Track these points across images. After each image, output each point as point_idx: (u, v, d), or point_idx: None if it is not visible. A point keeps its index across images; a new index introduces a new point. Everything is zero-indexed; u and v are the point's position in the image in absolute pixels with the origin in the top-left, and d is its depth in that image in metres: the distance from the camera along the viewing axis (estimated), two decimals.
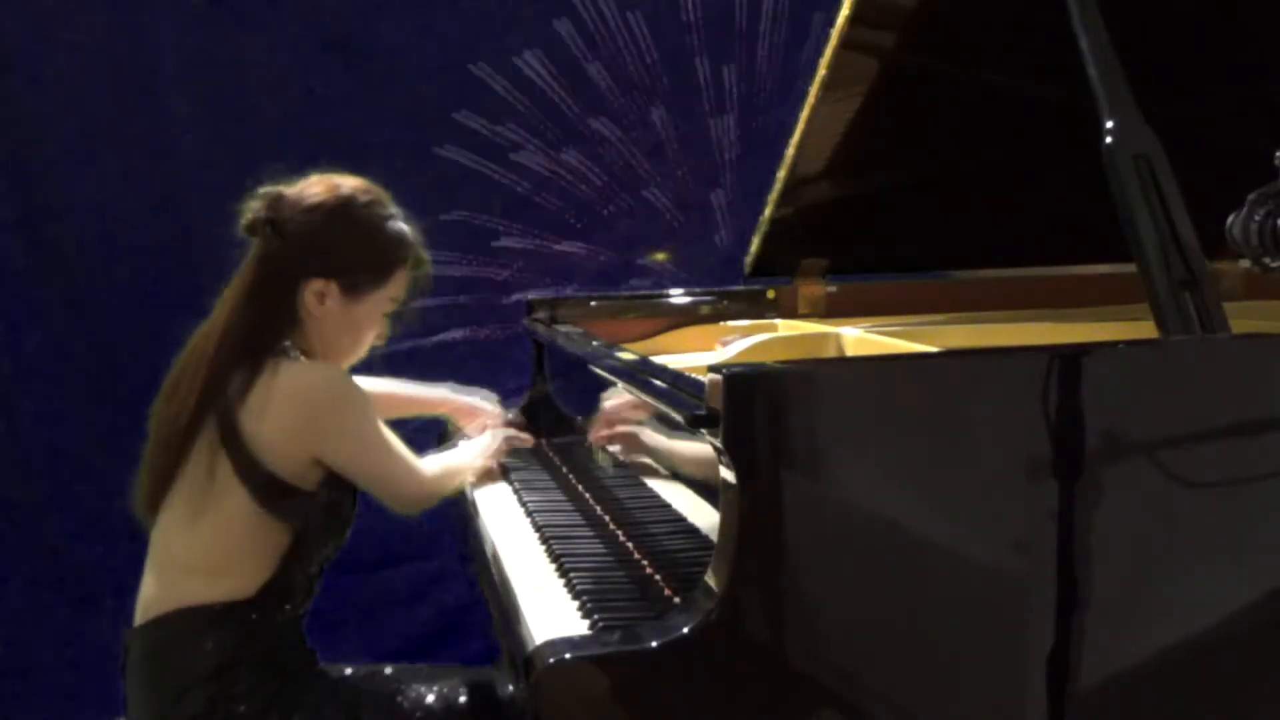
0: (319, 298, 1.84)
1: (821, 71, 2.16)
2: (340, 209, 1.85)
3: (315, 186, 1.86)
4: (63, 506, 3.22)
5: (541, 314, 2.63)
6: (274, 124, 3.23)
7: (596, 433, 2.09)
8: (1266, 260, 1.43)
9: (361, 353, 1.95)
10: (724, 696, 1.33)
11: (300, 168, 1.90)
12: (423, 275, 1.95)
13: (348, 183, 1.89)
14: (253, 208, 1.84)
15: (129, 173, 3.23)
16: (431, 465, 2.01)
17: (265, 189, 1.85)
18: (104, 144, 3.20)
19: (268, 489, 1.77)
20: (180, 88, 3.24)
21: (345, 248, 1.85)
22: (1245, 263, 1.46)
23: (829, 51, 2.14)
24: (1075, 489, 1.36)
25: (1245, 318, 1.88)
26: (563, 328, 2.51)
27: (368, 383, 2.07)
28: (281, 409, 1.76)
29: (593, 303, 2.65)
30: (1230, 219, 1.45)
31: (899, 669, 1.35)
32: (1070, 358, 1.38)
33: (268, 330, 1.82)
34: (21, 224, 3.25)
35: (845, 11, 2.09)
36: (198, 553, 1.80)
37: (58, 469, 3.23)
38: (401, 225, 1.91)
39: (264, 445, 1.77)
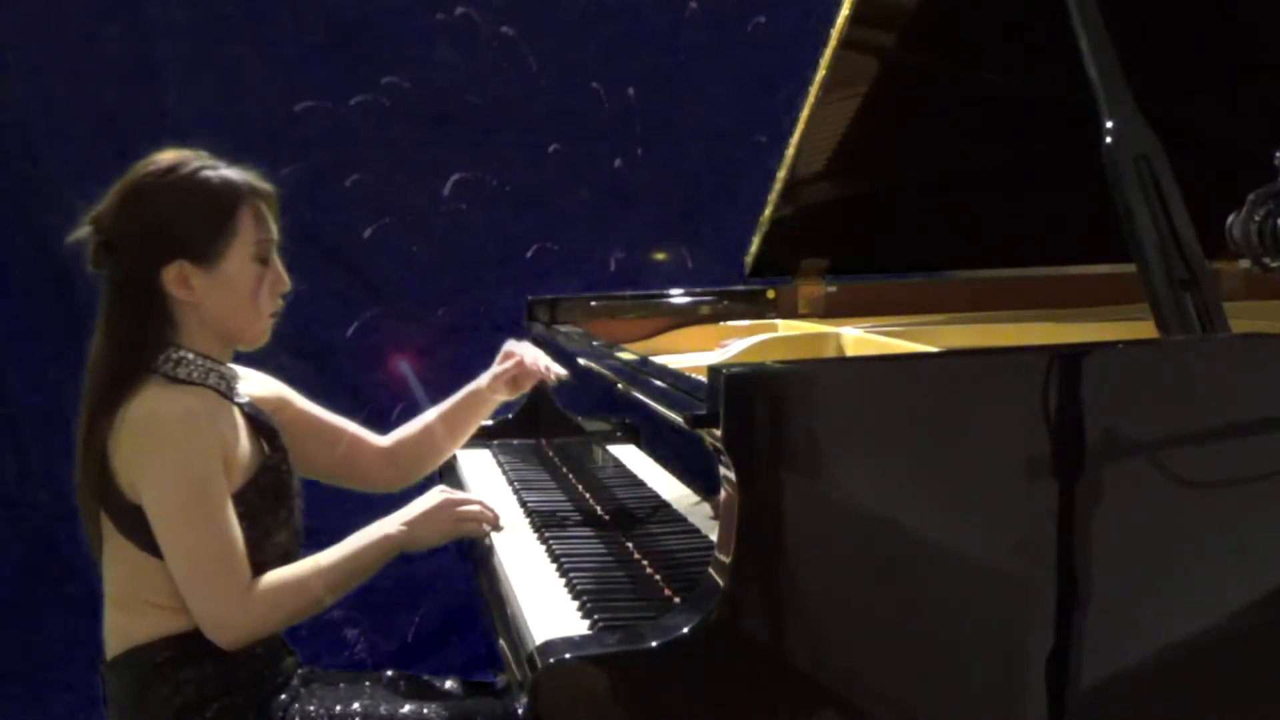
0: (181, 282, 1.70)
1: (821, 71, 2.16)
2: (145, 190, 1.71)
3: (120, 184, 1.73)
4: (63, 506, 3.22)
5: (541, 314, 2.62)
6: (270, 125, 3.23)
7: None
8: (1266, 260, 1.43)
9: (268, 310, 1.77)
10: (724, 696, 1.33)
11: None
12: (272, 201, 1.76)
13: (147, 162, 1.74)
14: (87, 240, 1.73)
15: None
16: (273, 579, 1.69)
17: (86, 215, 1.74)
18: (104, 145, 3.20)
19: (128, 517, 1.67)
20: (180, 88, 3.24)
21: (171, 221, 1.70)
22: (1245, 263, 1.46)
23: (829, 51, 2.14)
24: (1075, 489, 1.36)
25: (1245, 318, 1.88)
26: (563, 328, 2.51)
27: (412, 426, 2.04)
28: (122, 431, 1.66)
29: (593, 303, 2.64)
30: (1230, 219, 1.45)
31: (899, 669, 1.35)
32: (1070, 358, 1.38)
33: (142, 347, 1.71)
34: (22, 229, 3.25)
35: (845, 11, 2.09)
36: (115, 586, 1.74)
37: (58, 469, 3.22)
38: (220, 171, 1.74)
39: (118, 471, 1.67)
